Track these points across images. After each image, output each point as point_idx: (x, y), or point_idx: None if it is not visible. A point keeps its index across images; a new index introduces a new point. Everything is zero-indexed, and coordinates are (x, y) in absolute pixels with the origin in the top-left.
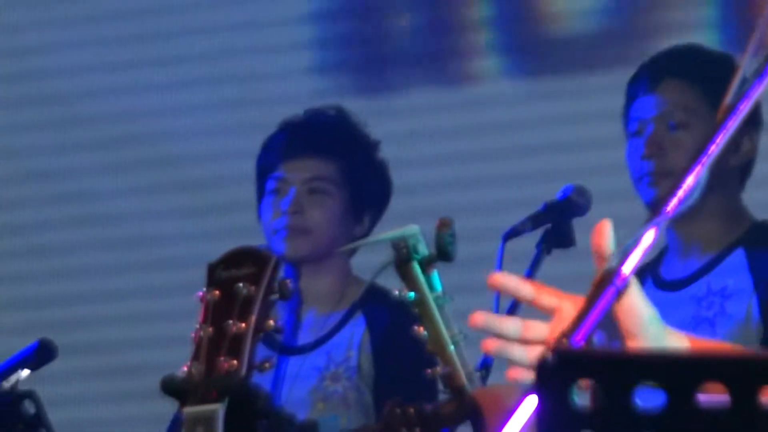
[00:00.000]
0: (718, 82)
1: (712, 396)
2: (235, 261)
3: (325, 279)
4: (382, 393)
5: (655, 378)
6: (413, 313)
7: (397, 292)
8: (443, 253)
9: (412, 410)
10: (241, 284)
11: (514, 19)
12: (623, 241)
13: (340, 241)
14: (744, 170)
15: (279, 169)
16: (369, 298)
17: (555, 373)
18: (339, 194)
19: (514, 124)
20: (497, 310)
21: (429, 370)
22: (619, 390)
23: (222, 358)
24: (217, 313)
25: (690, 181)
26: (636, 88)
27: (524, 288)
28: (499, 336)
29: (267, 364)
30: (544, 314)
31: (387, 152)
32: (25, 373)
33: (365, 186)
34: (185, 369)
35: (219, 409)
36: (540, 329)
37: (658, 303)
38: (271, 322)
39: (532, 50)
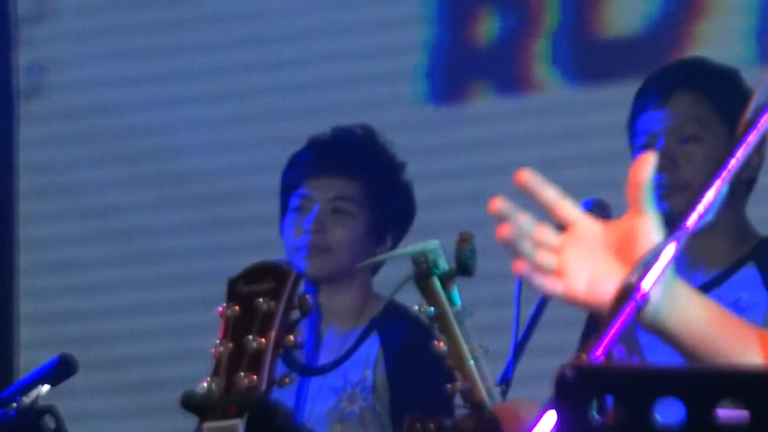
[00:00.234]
0: (726, 95)
1: (732, 411)
2: (256, 276)
3: (345, 296)
4: (398, 410)
5: (675, 393)
6: (429, 328)
7: (416, 308)
8: (463, 268)
9: (432, 425)
10: (261, 299)
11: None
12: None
13: (361, 260)
14: (749, 184)
15: (303, 186)
16: (386, 315)
17: (574, 389)
18: (362, 214)
19: (534, 138)
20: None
21: (449, 385)
22: (639, 405)
23: (242, 374)
24: (237, 329)
25: (710, 195)
26: (645, 101)
27: (548, 190)
28: (514, 227)
29: (287, 380)
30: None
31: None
32: (46, 388)
33: (389, 207)
34: (205, 384)
35: (239, 424)
36: (552, 235)
37: None
38: (291, 338)
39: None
